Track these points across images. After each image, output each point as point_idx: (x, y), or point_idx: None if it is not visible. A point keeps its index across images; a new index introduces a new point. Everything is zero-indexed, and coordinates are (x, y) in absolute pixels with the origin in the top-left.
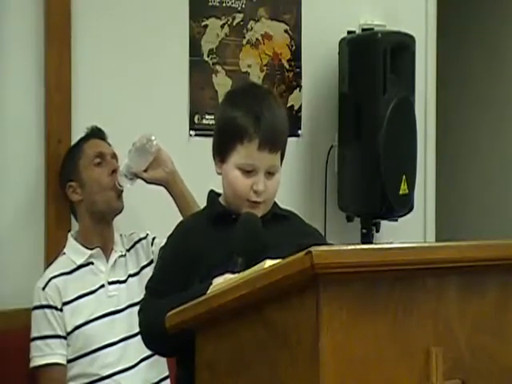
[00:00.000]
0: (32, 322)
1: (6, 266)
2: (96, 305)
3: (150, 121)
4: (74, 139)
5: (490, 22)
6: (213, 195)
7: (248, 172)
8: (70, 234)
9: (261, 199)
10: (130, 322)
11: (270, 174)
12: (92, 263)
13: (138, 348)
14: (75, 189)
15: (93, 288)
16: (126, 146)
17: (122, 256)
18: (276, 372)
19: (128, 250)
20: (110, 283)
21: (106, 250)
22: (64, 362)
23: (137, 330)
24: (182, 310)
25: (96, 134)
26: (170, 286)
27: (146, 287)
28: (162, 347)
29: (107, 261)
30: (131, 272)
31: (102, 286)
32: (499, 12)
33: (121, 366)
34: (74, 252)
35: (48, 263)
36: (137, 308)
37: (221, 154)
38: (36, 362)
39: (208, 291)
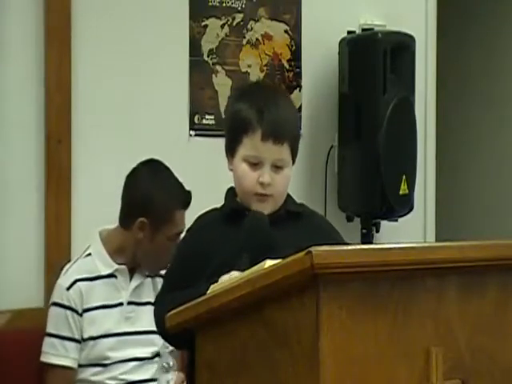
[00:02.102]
0: (50, 317)
1: (6, 266)
2: (113, 322)
3: (150, 121)
4: (74, 139)
5: (490, 22)
6: (230, 192)
7: (255, 165)
8: (98, 232)
9: (268, 192)
10: (147, 345)
11: (277, 167)
12: (115, 276)
13: (149, 369)
14: (143, 228)
15: (112, 302)
16: (126, 147)
17: (145, 278)
18: (276, 372)
19: (151, 276)
20: (129, 303)
21: (132, 269)
22: (76, 366)
23: (150, 354)
24: (182, 310)
25: (187, 203)
26: (183, 279)
27: (163, 277)
28: (172, 342)
29: (130, 279)
30: (149, 300)
31: (121, 304)
32: (499, 12)
33: (129, 379)
34: (100, 259)
35: (48, 263)
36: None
37: (230, 149)
38: (49, 359)
39: (209, 290)
